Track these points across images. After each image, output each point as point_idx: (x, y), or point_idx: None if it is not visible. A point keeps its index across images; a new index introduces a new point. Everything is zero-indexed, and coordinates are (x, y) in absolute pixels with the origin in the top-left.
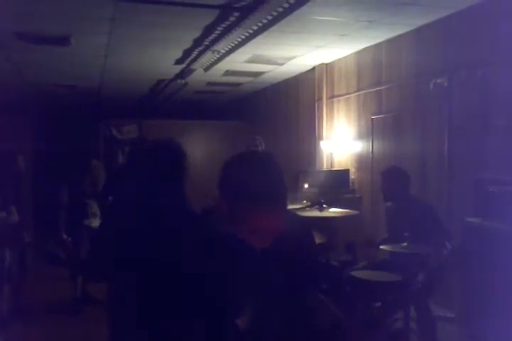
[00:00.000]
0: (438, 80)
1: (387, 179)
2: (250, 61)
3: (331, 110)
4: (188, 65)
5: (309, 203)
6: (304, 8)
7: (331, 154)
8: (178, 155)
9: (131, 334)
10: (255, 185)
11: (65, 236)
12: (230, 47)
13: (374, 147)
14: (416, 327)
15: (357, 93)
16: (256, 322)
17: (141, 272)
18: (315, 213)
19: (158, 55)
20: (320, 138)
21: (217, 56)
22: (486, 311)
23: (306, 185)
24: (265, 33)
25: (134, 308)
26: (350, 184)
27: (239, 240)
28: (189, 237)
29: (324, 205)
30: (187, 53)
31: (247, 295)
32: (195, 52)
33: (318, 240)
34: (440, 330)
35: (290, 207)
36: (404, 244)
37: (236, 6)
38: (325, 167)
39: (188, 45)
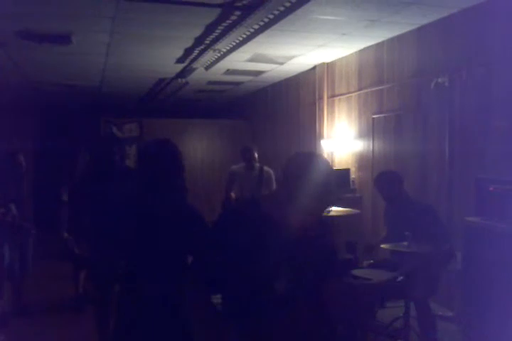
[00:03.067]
0: (439, 80)
1: (380, 184)
2: (251, 60)
3: (331, 109)
4: (189, 63)
5: None
6: (305, 7)
7: (332, 153)
8: (174, 154)
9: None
10: (319, 182)
11: (65, 235)
12: (231, 46)
13: (375, 146)
14: (416, 325)
15: (358, 92)
16: (289, 288)
17: (146, 264)
18: None
19: (159, 53)
20: (321, 137)
21: (218, 55)
22: (485, 310)
23: None
24: (266, 32)
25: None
26: (351, 183)
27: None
28: (188, 229)
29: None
30: (188, 52)
31: (280, 266)
32: (196, 51)
33: None
34: (439, 329)
35: None
36: (405, 243)
37: (237, 4)
38: None
39: (189, 43)
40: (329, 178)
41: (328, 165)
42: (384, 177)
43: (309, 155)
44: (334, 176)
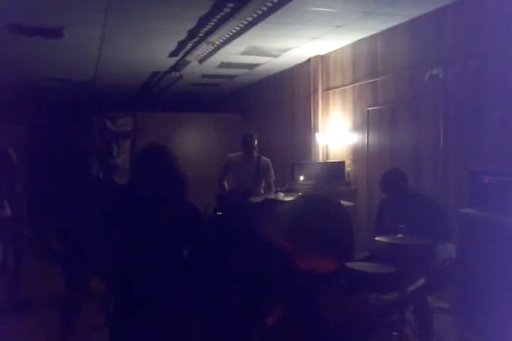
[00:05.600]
0: (433, 71)
1: (386, 185)
2: (245, 53)
3: (326, 102)
4: (183, 56)
5: None
6: None
7: (327, 146)
8: (169, 158)
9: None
10: (324, 234)
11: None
12: (224, 38)
13: (369, 139)
14: (412, 318)
15: (352, 85)
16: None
17: (145, 259)
18: None
19: (152, 46)
20: (315, 130)
21: (212, 48)
22: (481, 302)
23: (301, 177)
24: (260, 25)
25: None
26: (346, 176)
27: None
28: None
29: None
30: (182, 45)
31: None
32: (190, 44)
33: None
34: (435, 321)
35: (285, 198)
36: (400, 235)
37: None
38: (321, 159)
39: (182, 36)
40: (342, 228)
41: (341, 211)
42: (390, 177)
43: (314, 203)
44: (347, 225)
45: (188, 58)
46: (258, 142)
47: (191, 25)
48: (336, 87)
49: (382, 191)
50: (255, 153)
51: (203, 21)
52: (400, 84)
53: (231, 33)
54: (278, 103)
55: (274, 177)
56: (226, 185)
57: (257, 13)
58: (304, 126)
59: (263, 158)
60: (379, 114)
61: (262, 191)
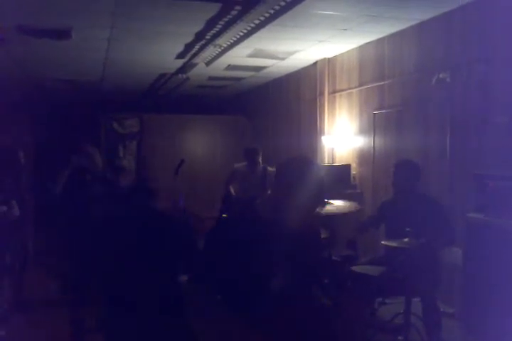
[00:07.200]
0: (440, 75)
1: (400, 171)
2: (252, 55)
3: (332, 105)
4: (190, 59)
5: None
6: (306, 3)
7: (333, 149)
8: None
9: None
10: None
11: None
12: (231, 41)
13: (376, 142)
14: (416, 322)
15: (359, 88)
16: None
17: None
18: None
19: (159, 49)
20: (321, 133)
21: (219, 50)
22: (486, 307)
23: None
24: (267, 27)
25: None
26: (352, 179)
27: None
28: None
29: (326, 200)
30: (189, 47)
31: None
32: (197, 47)
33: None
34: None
35: None
36: (406, 239)
37: None
38: (326, 162)
39: (189, 39)
40: (321, 180)
41: (319, 167)
42: (406, 167)
43: (300, 160)
44: (323, 178)
45: (195, 60)
46: (262, 154)
47: (198, 27)
48: (342, 90)
49: (395, 187)
50: (260, 165)
51: (210, 24)
52: (407, 88)
53: (238, 36)
54: (284, 106)
55: None
56: (232, 189)
57: (264, 16)
58: (310, 128)
59: (269, 168)
60: (385, 117)
61: None
